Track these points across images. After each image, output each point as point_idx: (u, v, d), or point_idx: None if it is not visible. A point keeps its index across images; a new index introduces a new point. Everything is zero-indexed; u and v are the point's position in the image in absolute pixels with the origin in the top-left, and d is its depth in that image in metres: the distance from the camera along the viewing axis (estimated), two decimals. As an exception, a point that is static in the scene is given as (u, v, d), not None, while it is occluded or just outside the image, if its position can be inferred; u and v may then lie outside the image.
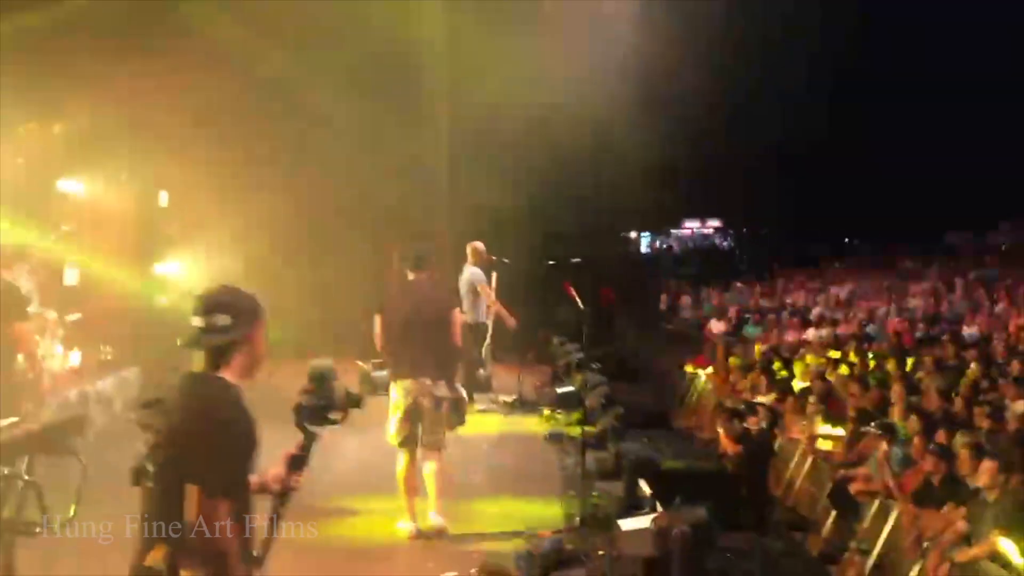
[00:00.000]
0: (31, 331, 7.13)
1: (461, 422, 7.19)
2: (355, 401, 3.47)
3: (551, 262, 7.05)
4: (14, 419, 4.82)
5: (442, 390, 6.69)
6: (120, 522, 4.85)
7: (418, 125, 16.47)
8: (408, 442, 6.74)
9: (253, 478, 3.22)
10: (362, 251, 16.23)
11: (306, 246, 16.00)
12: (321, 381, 3.43)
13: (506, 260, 10.92)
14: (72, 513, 4.25)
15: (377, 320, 6.91)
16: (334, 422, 3.37)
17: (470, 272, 10.63)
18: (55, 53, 10.22)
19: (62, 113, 10.57)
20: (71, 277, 10.21)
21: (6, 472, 3.99)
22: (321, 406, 3.39)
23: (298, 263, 15.71)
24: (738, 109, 28.74)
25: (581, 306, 6.36)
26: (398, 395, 6.81)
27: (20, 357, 6.74)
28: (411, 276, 6.94)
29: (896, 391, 9.64)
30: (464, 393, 7.51)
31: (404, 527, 6.56)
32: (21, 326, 6.59)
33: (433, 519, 6.58)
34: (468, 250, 10.85)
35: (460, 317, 7.13)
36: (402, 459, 6.75)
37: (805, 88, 28.89)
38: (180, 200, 13.57)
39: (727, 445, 9.00)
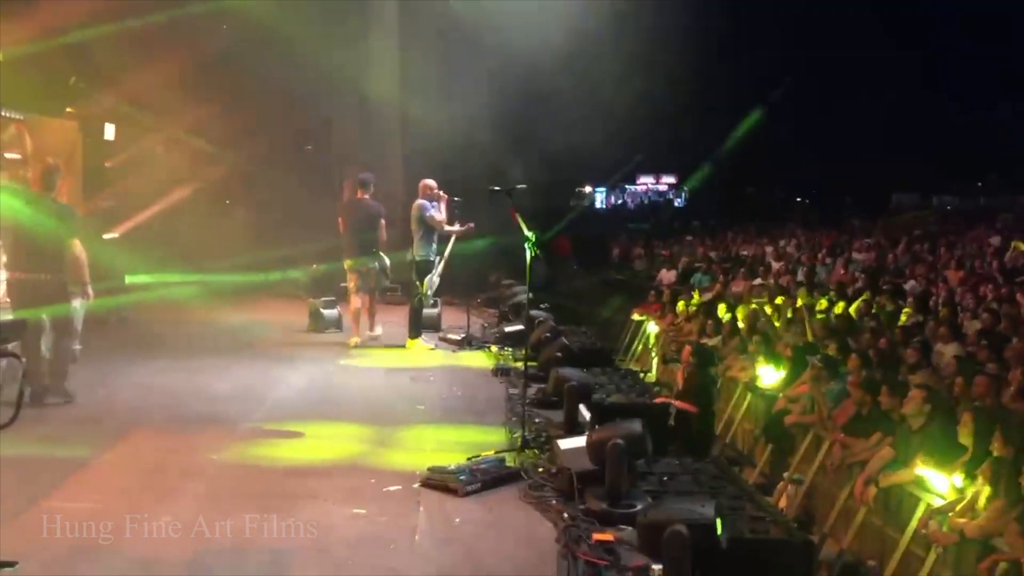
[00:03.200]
0: None
1: (388, 279, 11.18)
2: None
3: (495, 188, 7.05)
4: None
5: (371, 263, 10.74)
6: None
7: (376, 69, 16.39)
8: (356, 290, 10.82)
9: None
10: (312, 189, 16.24)
11: (256, 186, 15.94)
12: None
13: (457, 198, 10.94)
14: (15, 414, 4.25)
15: (340, 221, 10.89)
16: None
17: (418, 205, 10.63)
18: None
19: (6, 40, 10.31)
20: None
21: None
22: None
23: (246, 202, 15.68)
24: (693, 68, 28.83)
25: (526, 232, 6.43)
26: (349, 265, 10.83)
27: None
28: (359, 194, 10.87)
29: (831, 329, 9.92)
30: (387, 262, 10.91)
31: (352, 340, 10.77)
32: None
33: (369, 332, 10.91)
34: (419, 187, 10.88)
35: (384, 224, 10.78)
36: (354, 301, 10.85)
37: (760, 46, 29.10)
38: (126, 135, 13.41)
39: (678, 381, 9.23)
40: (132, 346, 10.15)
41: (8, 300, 7.65)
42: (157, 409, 7.56)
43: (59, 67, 11.66)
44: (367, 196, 10.76)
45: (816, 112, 31.56)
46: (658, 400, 8.04)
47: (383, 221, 10.76)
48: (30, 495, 5.26)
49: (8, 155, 10.40)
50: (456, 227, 10.88)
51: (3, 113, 10.40)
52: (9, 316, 7.11)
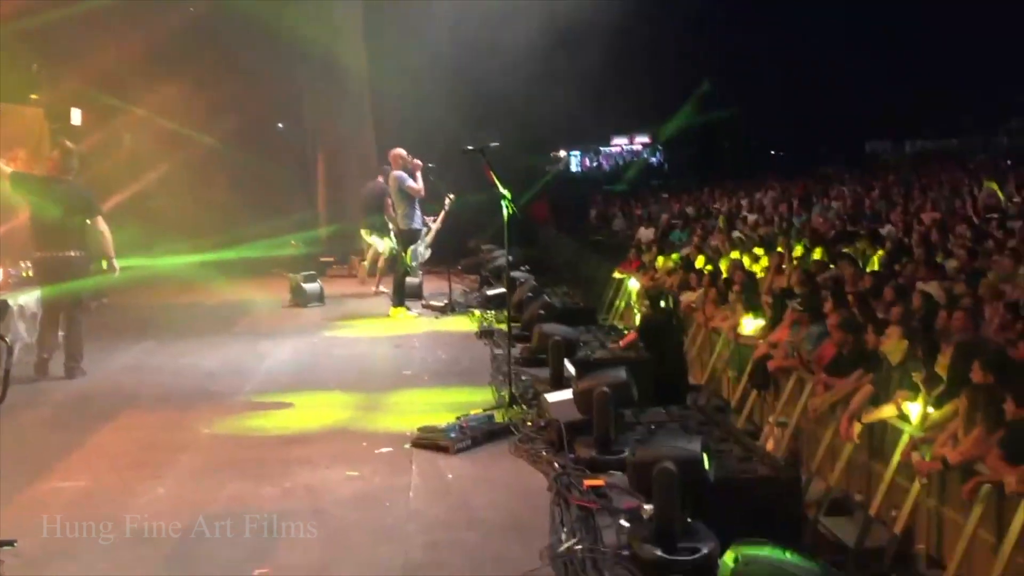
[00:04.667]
0: None
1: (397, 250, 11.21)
2: None
3: (467, 147, 7.04)
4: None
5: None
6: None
7: (342, 39, 16.25)
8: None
9: None
10: (287, 168, 16.19)
11: (226, 166, 15.83)
12: None
13: (432, 164, 10.94)
14: (2, 393, 4.26)
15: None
16: None
17: (396, 177, 10.64)
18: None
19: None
20: (-15, 194, 9.94)
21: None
22: None
23: (220, 181, 15.57)
24: (661, 22, 28.68)
25: (501, 190, 6.45)
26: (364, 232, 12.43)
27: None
28: (379, 179, 11.86)
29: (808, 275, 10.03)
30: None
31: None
32: None
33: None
34: (390, 157, 10.87)
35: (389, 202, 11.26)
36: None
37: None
38: (94, 119, 13.26)
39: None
40: (117, 329, 10.13)
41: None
42: (147, 388, 7.59)
43: (20, 53, 11.48)
44: (380, 178, 11.74)
45: (789, 58, 31.48)
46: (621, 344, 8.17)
47: (388, 200, 11.35)
48: (26, 476, 5.29)
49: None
50: (439, 218, 11.57)
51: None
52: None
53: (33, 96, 11.98)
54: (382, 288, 12.00)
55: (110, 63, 12.57)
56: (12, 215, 10.40)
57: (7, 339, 4.46)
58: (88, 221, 8.00)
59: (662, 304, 9.09)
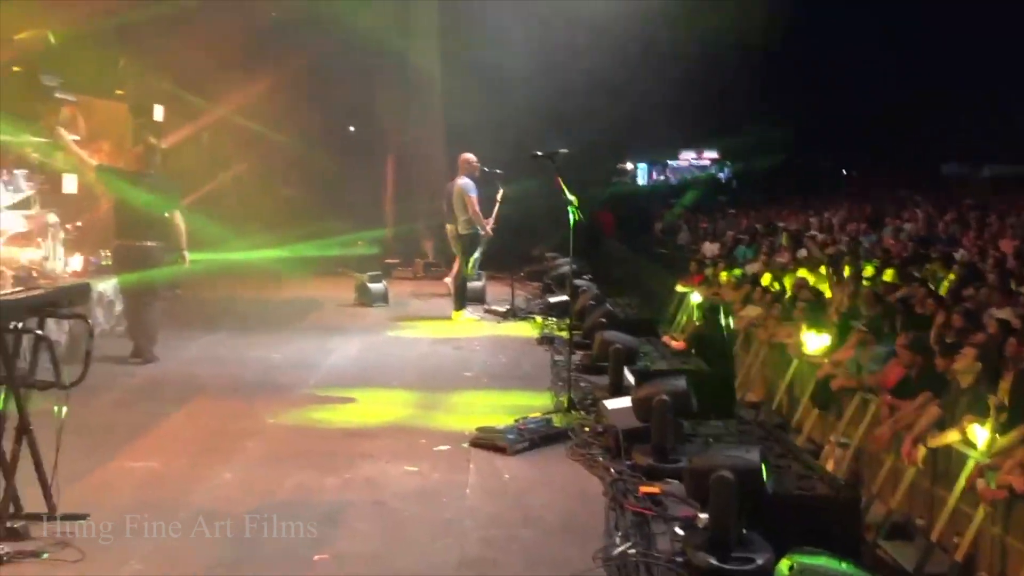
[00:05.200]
0: None
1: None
2: None
3: (536, 153, 7.09)
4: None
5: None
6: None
7: (417, 43, 16.50)
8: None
9: None
10: (357, 169, 16.47)
11: (298, 165, 16.19)
12: None
13: (499, 171, 11.04)
14: (84, 372, 4.44)
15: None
16: None
17: (462, 184, 10.78)
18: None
19: (57, 22, 10.55)
20: (70, 185, 10.31)
21: (20, 327, 4.18)
22: None
23: (293, 180, 15.93)
24: (733, 42, 28.41)
25: (569, 196, 6.50)
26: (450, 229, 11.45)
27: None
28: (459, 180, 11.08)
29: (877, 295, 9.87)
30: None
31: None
32: None
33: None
34: (459, 162, 11.01)
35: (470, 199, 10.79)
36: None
37: (804, 19, 28.57)
38: (175, 116, 13.66)
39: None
40: (189, 320, 10.42)
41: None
42: (217, 378, 7.82)
43: (109, 49, 11.90)
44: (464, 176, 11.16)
45: (861, 79, 30.93)
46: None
47: (469, 196, 10.85)
48: (100, 455, 5.50)
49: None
50: (493, 215, 11.24)
51: (57, 95, 10.66)
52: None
53: (119, 91, 12.41)
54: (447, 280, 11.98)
55: (193, 62, 12.94)
56: (94, 206, 10.83)
57: (89, 321, 4.63)
58: (167, 214, 8.35)
59: (717, 317, 9.05)
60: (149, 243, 8.25)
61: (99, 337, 8.55)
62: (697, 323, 8.78)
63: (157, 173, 8.56)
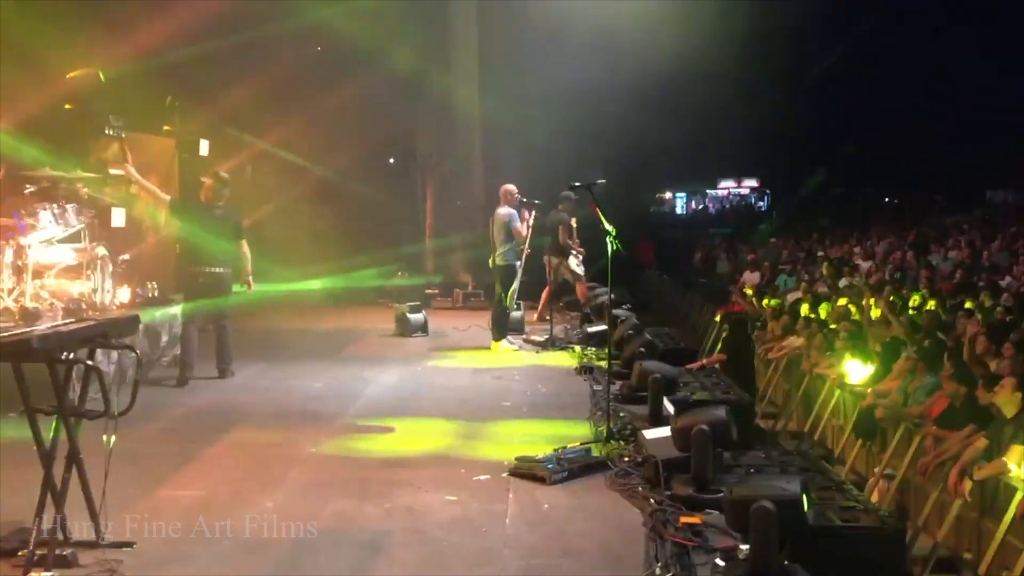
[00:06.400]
0: None
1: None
2: None
3: (575, 184, 7.15)
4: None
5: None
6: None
7: (456, 75, 16.73)
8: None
9: None
10: (397, 200, 16.68)
11: (339, 197, 16.44)
12: None
13: (537, 201, 11.12)
14: (132, 402, 4.55)
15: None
16: None
17: (503, 214, 10.87)
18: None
19: (107, 61, 10.87)
20: (118, 219, 10.57)
21: (71, 357, 4.29)
22: None
23: (334, 212, 16.16)
24: (775, 70, 28.38)
25: (607, 226, 6.54)
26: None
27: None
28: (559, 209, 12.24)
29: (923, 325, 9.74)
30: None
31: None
32: None
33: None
34: (500, 193, 11.11)
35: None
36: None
37: (850, 48, 28.46)
38: (220, 151, 13.97)
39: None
40: (232, 349, 10.56)
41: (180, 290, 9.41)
42: (259, 407, 7.94)
43: (156, 87, 12.22)
44: (560, 208, 12.25)
45: (906, 105, 30.67)
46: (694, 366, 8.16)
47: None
48: (146, 483, 5.60)
49: (113, 171, 10.94)
50: (527, 232, 11.12)
51: (107, 131, 10.96)
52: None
53: (166, 127, 12.73)
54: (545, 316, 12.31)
55: (237, 98, 13.27)
56: (141, 239, 11.09)
57: (136, 352, 4.75)
58: (236, 243, 8.89)
59: (744, 329, 9.09)
60: (219, 269, 8.76)
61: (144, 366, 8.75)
62: (724, 333, 8.78)
63: (226, 205, 9.03)
